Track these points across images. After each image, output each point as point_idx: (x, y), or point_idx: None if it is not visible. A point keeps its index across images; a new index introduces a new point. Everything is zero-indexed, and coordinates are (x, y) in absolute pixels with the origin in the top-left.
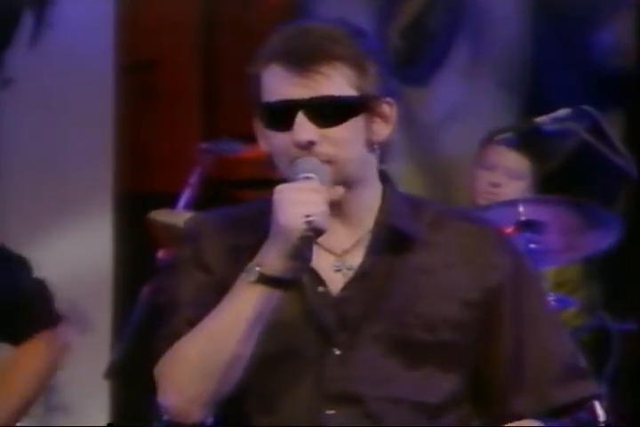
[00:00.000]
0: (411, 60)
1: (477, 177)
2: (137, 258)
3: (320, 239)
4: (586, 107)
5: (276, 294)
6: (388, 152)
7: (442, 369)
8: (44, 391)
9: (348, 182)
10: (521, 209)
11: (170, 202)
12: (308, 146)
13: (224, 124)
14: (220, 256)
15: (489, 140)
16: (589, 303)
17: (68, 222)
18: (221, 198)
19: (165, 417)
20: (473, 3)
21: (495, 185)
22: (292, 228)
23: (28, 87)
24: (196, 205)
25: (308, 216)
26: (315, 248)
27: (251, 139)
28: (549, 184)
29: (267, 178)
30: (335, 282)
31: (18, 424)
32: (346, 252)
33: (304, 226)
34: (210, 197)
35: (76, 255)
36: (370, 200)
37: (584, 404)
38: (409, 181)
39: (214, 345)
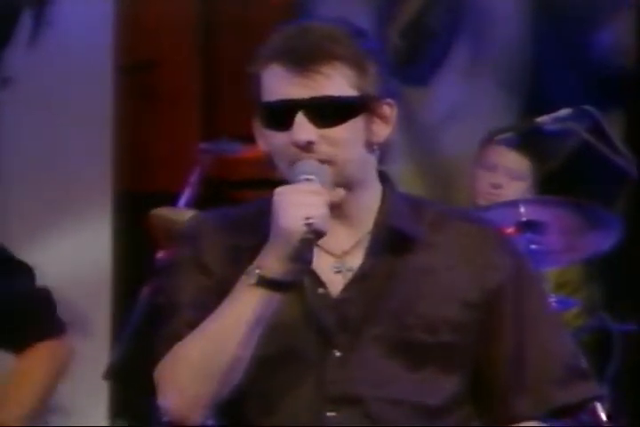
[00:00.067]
0: (411, 59)
1: (478, 177)
2: (136, 258)
3: (320, 241)
4: (586, 107)
5: (277, 296)
6: (387, 153)
7: (442, 370)
8: (49, 399)
9: (347, 183)
10: (522, 210)
11: (169, 202)
12: (308, 146)
13: (224, 125)
14: (220, 257)
15: (489, 141)
16: (590, 304)
17: (68, 222)
18: (221, 198)
19: (165, 419)
20: (473, 3)
21: (496, 186)
22: (292, 230)
23: (27, 87)
24: (196, 205)
25: (308, 218)
26: (314, 250)
27: (250, 139)
28: (550, 185)
29: (266, 178)
30: (335, 283)
31: None
32: (346, 253)
33: (304, 228)
34: (209, 197)
35: (75, 255)
36: (370, 201)
37: (585, 405)
38: (409, 182)
39: (214, 347)
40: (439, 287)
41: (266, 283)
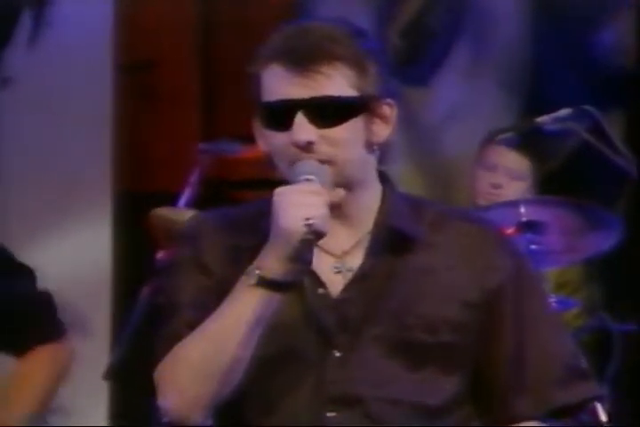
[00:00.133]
0: (411, 60)
1: (478, 177)
2: (136, 258)
3: (320, 241)
4: (586, 107)
5: (276, 297)
6: (387, 153)
7: (442, 370)
8: (51, 402)
9: (347, 184)
10: (522, 210)
11: (169, 202)
12: (307, 146)
13: (223, 125)
14: (220, 257)
15: (489, 141)
16: (590, 304)
17: (67, 222)
18: (221, 199)
19: (165, 419)
20: (473, 3)
21: (496, 186)
22: (292, 231)
23: (27, 87)
24: (196, 205)
25: (308, 219)
26: (314, 250)
27: (250, 139)
28: (550, 185)
29: (266, 178)
30: (335, 284)
31: None
32: (346, 253)
33: (304, 229)
34: (209, 197)
35: (75, 255)
36: (370, 201)
37: (585, 405)
38: (409, 182)
39: (214, 348)
40: (439, 287)
41: (266, 283)
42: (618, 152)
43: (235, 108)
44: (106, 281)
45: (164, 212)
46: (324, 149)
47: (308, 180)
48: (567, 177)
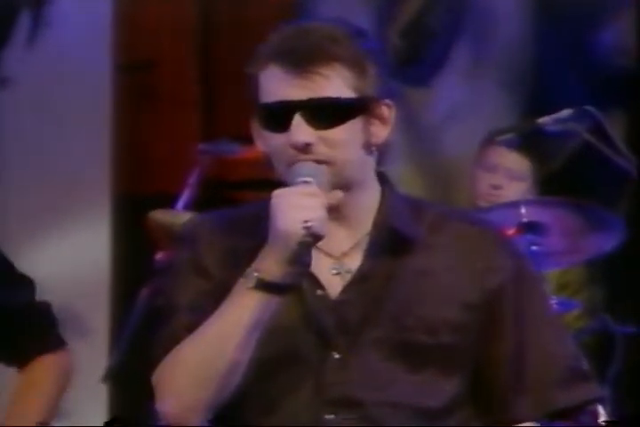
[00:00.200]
0: (411, 60)
1: (478, 178)
2: (135, 260)
3: (318, 242)
4: (587, 107)
5: (275, 299)
6: (386, 154)
7: (443, 372)
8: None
9: (346, 185)
10: (523, 211)
11: (168, 203)
12: (305, 148)
13: (223, 125)
14: (219, 259)
15: (489, 141)
16: (592, 306)
17: (67, 223)
18: (220, 199)
19: (163, 423)
20: (474, 3)
21: (496, 187)
22: (290, 233)
23: (26, 87)
24: (195, 205)
25: (306, 221)
26: (313, 251)
27: (250, 139)
28: (551, 185)
29: (266, 179)
30: (334, 285)
31: None
32: (344, 254)
33: (302, 231)
34: (209, 197)
35: (74, 257)
36: (368, 202)
37: (586, 407)
38: (409, 182)
39: (213, 351)
40: (439, 289)
41: (264, 286)
42: (619, 153)
43: (234, 108)
44: (104, 282)
45: (160, 215)
46: (322, 151)
47: (305, 182)
48: (568, 178)
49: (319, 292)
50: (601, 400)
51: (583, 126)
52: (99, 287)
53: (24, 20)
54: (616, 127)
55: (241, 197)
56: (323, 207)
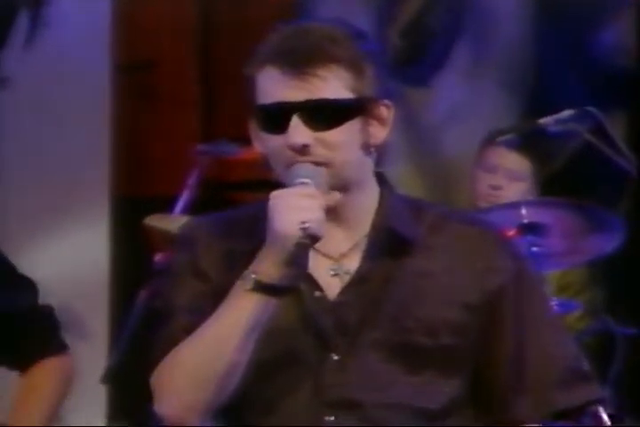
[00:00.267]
0: (411, 60)
1: (478, 179)
2: (134, 260)
3: (316, 244)
4: (589, 108)
5: (273, 301)
6: (384, 154)
7: (442, 374)
8: (56, 415)
9: (344, 186)
10: (523, 211)
11: (167, 204)
12: (303, 149)
13: (223, 126)
14: (217, 261)
15: (489, 142)
16: (593, 307)
17: (66, 224)
18: (219, 200)
19: (161, 424)
20: (474, 2)
21: (496, 188)
22: (287, 235)
23: (25, 87)
24: (194, 207)
25: (303, 223)
26: (311, 252)
27: (249, 140)
28: (552, 186)
29: (265, 180)
30: (332, 286)
31: None
32: (343, 256)
33: (300, 233)
34: (208, 198)
35: (73, 257)
36: (367, 203)
37: (587, 408)
38: (409, 183)
39: (211, 353)
40: (438, 290)
41: (262, 288)
42: (620, 153)
43: (234, 108)
44: (103, 284)
45: (156, 221)
46: (320, 152)
47: (303, 183)
48: (569, 178)
49: (317, 293)
50: (602, 401)
51: (584, 127)
52: (98, 288)
53: (23, 21)
54: (616, 127)
55: (240, 198)
56: (320, 209)
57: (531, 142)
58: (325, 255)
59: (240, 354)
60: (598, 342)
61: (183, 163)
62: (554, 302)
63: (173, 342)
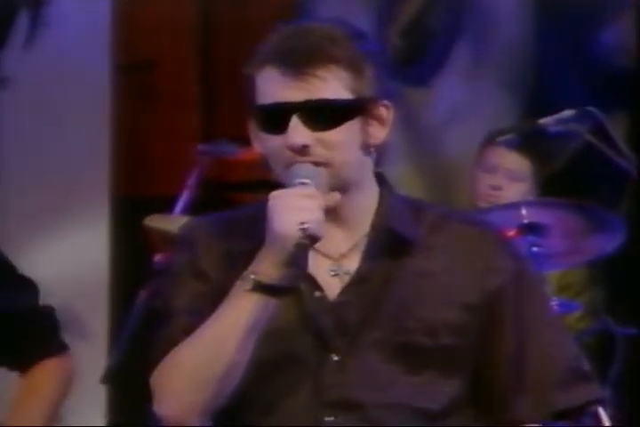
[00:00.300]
0: (411, 60)
1: (478, 179)
2: (134, 261)
3: (316, 244)
4: (589, 108)
5: (272, 301)
6: (384, 155)
7: (443, 374)
8: (56, 416)
9: (344, 186)
10: (524, 212)
11: (167, 204)
12: (303, 149)
13: (223, 126)
14: (216, 262)
15: (489, 142)
16: (593, 307)
17: (66, 224)
18: (219, 200)
19: (161, 424)
20: (475, 2)
21: (496, 188)
22: (286, 235)
23: (25, 87)
24: (194, 207)
25: (303, 223)
26: (311, 252)
27: (249, 140)
28: (552, 186)
29: (265, 180)
30: (332, 287)
31: None
32: (343, 256)
33: (299, 233)
34: (208, 199)
35: (73, 257)
36: (366, 203)
37: (587, 408)
38: (409, 183)
39: (210, 353)
40: (438, 290)
41: (261, 288)
42: (621, 153)
43: (234, 108)
44: (103, 284)
45: (155, 222)
46: (319, 152)
47: (303, 183)
48: (569, 179)
49: (317, 293)
50: (602, 401)
51: (584, 127)
52: (98, 288)
53: (23, 21)
54: (616, 127)
55: (240, 199)
56: (320, 209)
57: (531, 142)
58: (325, 255)
59: (239, 355)
60: (598, 342)
61: (183, 163)
62: (554, 303)
63: (173, 342)
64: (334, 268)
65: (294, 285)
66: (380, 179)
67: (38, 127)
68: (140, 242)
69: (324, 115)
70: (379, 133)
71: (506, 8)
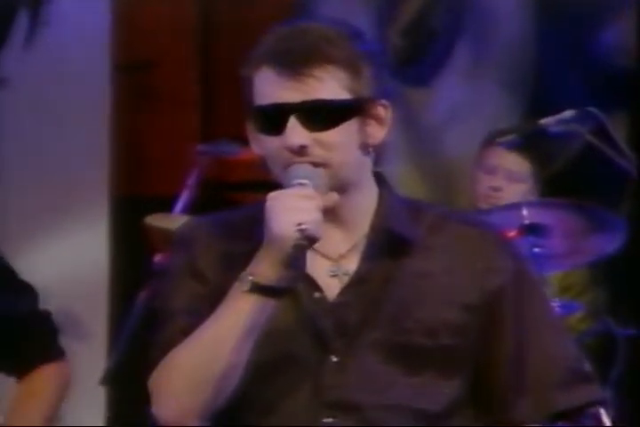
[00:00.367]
0: (412, 60)
1: (478, 180)
2: (134, 261)
3: (315, 244)
4: (590, 108)
5: (271, 302)
6: (383, 155)
7: (442, 375)
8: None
9: (342, 187)
10: (524, 212)
11: (167, 204)
12: (301, 150)
13: (222, 126)
14: (215, 263)
15: (489, 142)
16: (594, 308)
17: (65, 224)
18: (219, 200)
19: (159, 426)
20: (475, 2)
21: (495, 189)
22: (285, 236)
23: (24, 87)
24: (194, 207)
25: (301, 224)
26: (310, 253)
27: (249, 141)
28: (553, 187)
29: (265, 180)
30: (331, 287)
31: None
32: (342, 257)
33: (297, 234)
34: (208, 199)
35: (72, 257)
36: (365, 204)
37: (588, 409)
38: (409, 184)
39: (209, 355)
40: (438, 290)
41: (259, 289)
42: (621, 154)
43: (234, 108)
44: (103, 285)
45: (156, 221)
46: (317, 153)
47: (301, 184)
48: (570, 179)
49: (316, 294)
50: (603, 402)
51: (586, 127)
52: (97, 288)
53: (22, 20)
54: (617, 128)
55: (240, 199)
56: (318, 210)
57: (531, 143)
58: (324, 256)
59: (238, 356)
60: (599, 343)
61: (183, 163)
62: (555, 304)
63: (171, 343)
64: (333, 268)
65: (292, 286)
66: (379, 179)
67: (38, 127)
68: (140, 242)
69: (322, 115)
70: (377, 133)
71: (506, 8)
